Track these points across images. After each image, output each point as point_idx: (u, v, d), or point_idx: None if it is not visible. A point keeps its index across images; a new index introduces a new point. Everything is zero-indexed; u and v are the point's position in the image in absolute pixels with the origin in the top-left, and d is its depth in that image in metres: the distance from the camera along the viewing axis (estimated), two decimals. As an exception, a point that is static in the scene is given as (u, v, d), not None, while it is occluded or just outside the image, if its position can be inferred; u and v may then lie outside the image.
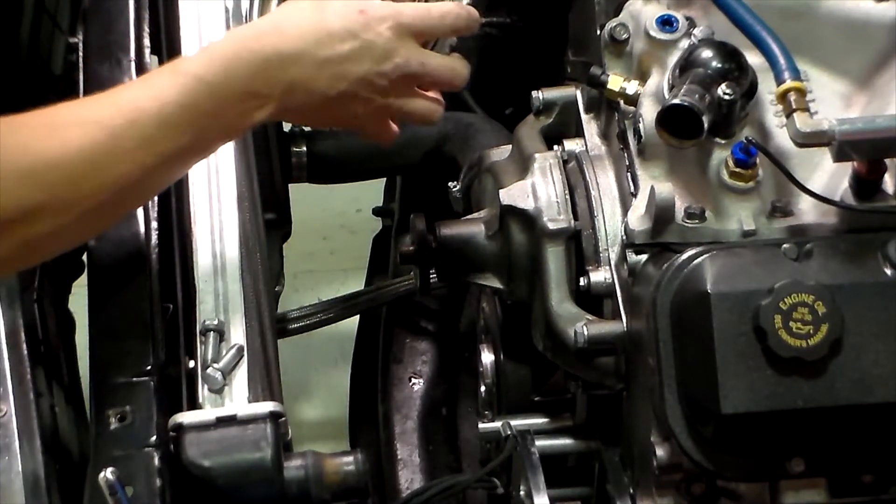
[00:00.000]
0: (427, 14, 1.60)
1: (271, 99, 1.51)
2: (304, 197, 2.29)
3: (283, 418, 1.56)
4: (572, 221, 1.69)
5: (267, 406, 1.56)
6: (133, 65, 1.86)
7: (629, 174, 1.63)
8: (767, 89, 1.57)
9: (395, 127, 1.65)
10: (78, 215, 1.43)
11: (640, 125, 1.60)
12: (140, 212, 1.71)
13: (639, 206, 1.59)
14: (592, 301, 1.68)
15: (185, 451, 1.52)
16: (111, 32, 1.89)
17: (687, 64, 1.57)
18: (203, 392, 1.59)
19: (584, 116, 1.78)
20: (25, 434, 1.63)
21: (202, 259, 1.68)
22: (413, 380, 2.27)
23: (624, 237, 1.61)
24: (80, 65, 1.88)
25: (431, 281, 1.86)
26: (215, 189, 1.74)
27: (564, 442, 1.79)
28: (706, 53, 1.57)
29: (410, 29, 1.58)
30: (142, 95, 1.47)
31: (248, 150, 1.84)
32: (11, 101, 1.49)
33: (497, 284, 1.78)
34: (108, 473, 1.41)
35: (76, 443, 1.74)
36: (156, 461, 1.50)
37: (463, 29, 1.64)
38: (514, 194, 1.72)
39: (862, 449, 1.49)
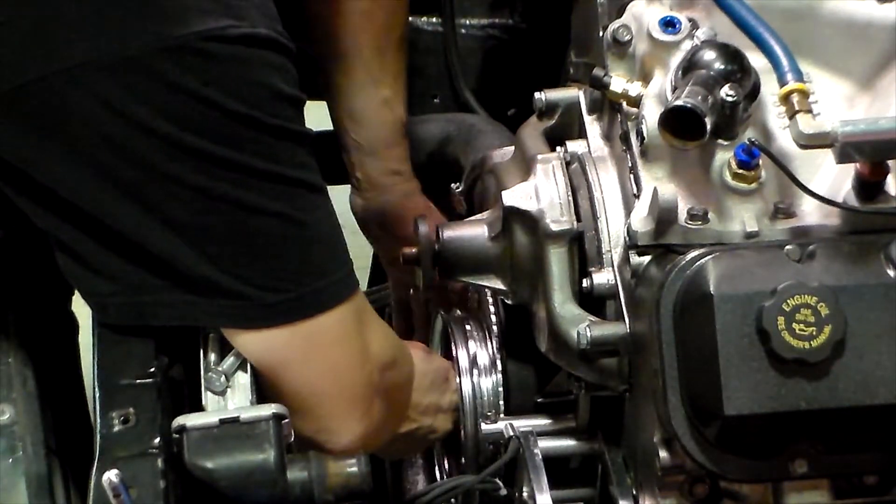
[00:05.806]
0: None
1: None
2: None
3: (286, 420, 1.56)
4: (575, 223, 1.69)
5: (270, 408, 1.56)
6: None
7: (632, 175, 1.63)
8: (770, 91, 1.57)
9: None
10: None
11: (643, 127, 1.60)
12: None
13: (641, 207, 1.59)
14: (595, 302, 1.67)
15: (189, 453, 1.52)
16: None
17: (690, 65, 1.57)
18: (206, 394, 1.59)
19: (586, 118, 1.78)
20: (29, 436, 1.64)
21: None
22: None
23: (627, 239, 1.61)
24: None
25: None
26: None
27: (567, 443, 1.79)
28: (709, 55, 1.56)
29: None
30: None
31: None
32: None
33: (500, 286, 1.78)
34: (111, 475, 1.41)
35: (80, 445, 1.74)
36: (159, 463, 1.50)
37: None
38: (517, 195, 1.72)
39: (865, 450, 1.49)
